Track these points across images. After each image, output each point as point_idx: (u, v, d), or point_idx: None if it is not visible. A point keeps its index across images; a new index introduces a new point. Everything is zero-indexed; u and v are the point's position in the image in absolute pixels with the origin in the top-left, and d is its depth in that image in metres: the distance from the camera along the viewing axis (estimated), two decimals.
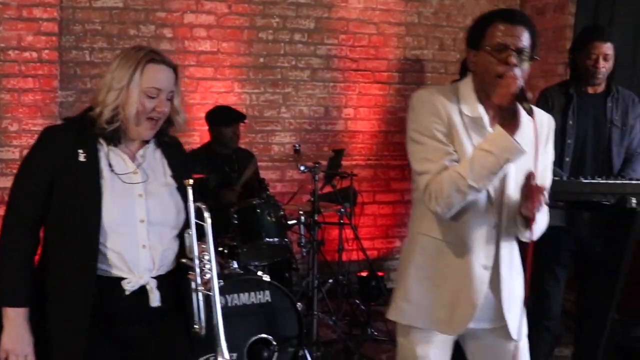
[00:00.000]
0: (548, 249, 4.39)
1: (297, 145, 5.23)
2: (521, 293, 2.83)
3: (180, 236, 2.76)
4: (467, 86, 2.67)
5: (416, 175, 2.66)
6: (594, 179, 3.70)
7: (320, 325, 5.33)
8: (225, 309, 4.40)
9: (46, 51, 5.76)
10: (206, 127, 5.73)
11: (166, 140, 2.81)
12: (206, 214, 2.71)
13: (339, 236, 5.89)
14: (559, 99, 4.43)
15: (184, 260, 2.72)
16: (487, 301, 2.72)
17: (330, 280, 5.89)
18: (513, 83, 2.40)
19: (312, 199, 5.10)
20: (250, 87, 6.52)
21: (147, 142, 2.74)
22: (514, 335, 2.79)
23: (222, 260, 4.74)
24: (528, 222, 2.55)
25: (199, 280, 2.68)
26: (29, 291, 2.59)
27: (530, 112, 2.40)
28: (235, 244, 4.88)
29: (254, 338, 4.55)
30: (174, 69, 2.70)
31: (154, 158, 2.77)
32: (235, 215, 4.90)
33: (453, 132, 2.60)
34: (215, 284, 2.71)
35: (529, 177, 2.47)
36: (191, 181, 2.68)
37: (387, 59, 6.82)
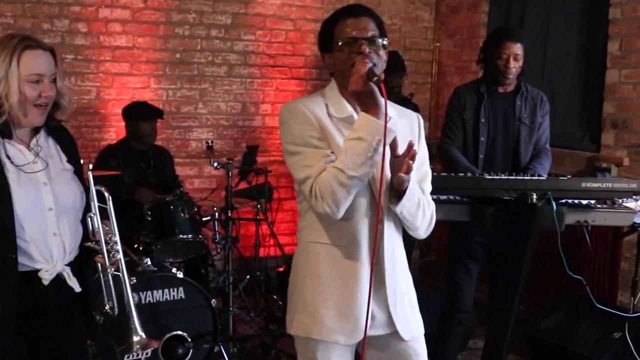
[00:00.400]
0: (459, 243, 4.52)
1: (209, 142, 5.23)
2: (409, 290, 2.80)
3: (83, 221, 2.78)
4: (332, 89, 2.67)
5: (299, 185, 2.63)
6: (497, 175, 3.80)
7: (238, 322, 5.36)
8: (138, 306, 4.38)
9: None
10: (122, 123, 5.68)
11: (54, 124, 2.80)
12: (107, 195, 2.77)
13: (255, 232, 5.90)
14: (470, 98, 4.53)
15: (89, 244, 2.74)
16: (377, 306, 2.67)
17: (248, 277, 5.90)
18: (362, 66, 2.41)
19: (226, 195, 5.10)
20: (167, 83, 6.48)
21: (37, 130, 2.73)
22: (404, 335, 2.71)
23: (136, 257, 4.71)
24: (399, 195, 2.55)
25: (107, 261, 2.72)
26: None
27: (379, 82, 2.39)
28: (149, 240, 4.86)
29: (168, 335, 4.52)
30: (52, 51, 2.68)
31: (48, 145, 2.77)
32: (149, 212, 4.89)
33: (327, 134, 2.59)
34: (123, 264, 2.77)
35: (408, 148, 2.48)
36: (91, 165, 2.76)
37: (304, 55, 6.86)
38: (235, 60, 6.64)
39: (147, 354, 4.40)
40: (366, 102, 2.44)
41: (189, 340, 4.56)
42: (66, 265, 2.71)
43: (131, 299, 2.83)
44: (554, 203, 3.71)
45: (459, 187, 3.83)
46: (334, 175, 2.46)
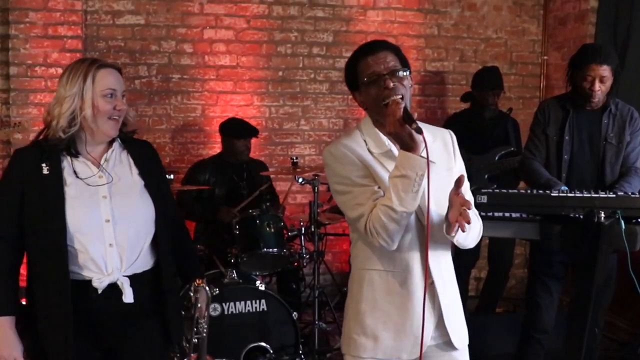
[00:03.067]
0: (540, 261, 4.42)
1: (294, 158, 5.33)
2: (456, 302, 2.88)
3: (154, 235, 2.94)
4: (367, 124, 2.77)
5: (354, 222, 2.73)
6: (562, 192, 3.71)
7: (325, 336, 5.42)
8: (221, 316, 4.57)
9: None
10: (220, 138, 5.91)
11: (128, 137, 3.00)
12: (208, 292, 2.95)
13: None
14: (556, 113, 4.42)
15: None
16: (432, 320, 2.77)
17: (342, 291, 5.96)
18: (396, 109, 2.49)
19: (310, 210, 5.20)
20: (270, 100, 6.65)
21: (110, 145, 2.93)
22: (456, 344, 2.82)
23: (224, 269, 4.88)
24: (450, 228, 2.59)
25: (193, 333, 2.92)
26: (13, 301, 2.82)
27: (419, 131, 2.48)
28: (237, 253, 5.03)
29: (250, 346, 4.67)
30: (119, 70, 2.92)
31: (120, 160, 2.96)
32: (237, 226, 5.06)
33: (371, 171, 2.68)
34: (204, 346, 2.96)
35: (458, 182, 2.56)
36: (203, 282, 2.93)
37: None
38: (337, 77, 6.73)
39: None
40: (405, 142, 2.53)
41: (271, 351, 4.68)
42: (126, 276, 2.84)
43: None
44: (622, 222, 3.58)
45: (526, 205, 3.76)
46: (385, 212, 2.57)
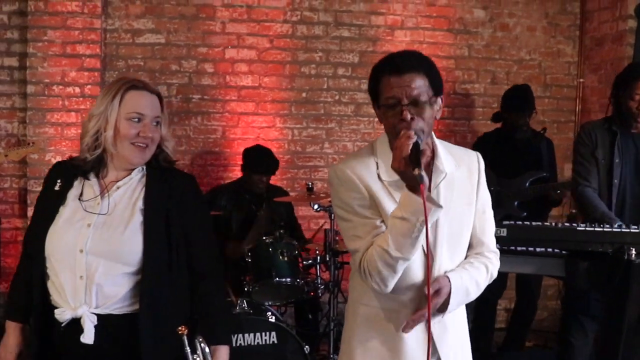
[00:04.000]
0: (575, 297, 4.16)
1: (309, 184, 5.11)
2: (464, 334, 2.72)
3: (140, 276, 2.64)
4: (383, 144, 2.55)
5: (351, 252, 2.58)
6: (588, 227, 3.44)
7: None
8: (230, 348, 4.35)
9: (89, 86, 5.91)
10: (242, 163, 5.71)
11: (162, 167, 2.78)
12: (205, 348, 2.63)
13: None
14: (602, 136, 4.21)
15: None
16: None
17: None
18: (405, 144, 2.27)
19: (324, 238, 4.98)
20: (293, 122, 6.46)
21: (131, 171, 2.75)
22: None
23: (235, 298, 4.68)
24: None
25: None
26: (20, 309, 2.78)
27: (420, 180, 2.24)
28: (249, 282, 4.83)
29: None
30: (158, 96, 2.73)
31: (133, 189, 2.74)
32: (250, 254, 4.86)
33: (376, 202, 2.49)
34: None
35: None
36: (185, 330, 2.54)
37: None
38: (363, 99, 6.51)
39: None
40: (409, 181, 2.32)
41: None
42: (96, 314, 2.61)
43: None
44: None
45: (549, 239, 3.52)
46: (380, 255, 2.40)
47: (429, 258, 2.38)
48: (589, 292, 3.92)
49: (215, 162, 6.34)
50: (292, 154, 6.44)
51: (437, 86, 2.46)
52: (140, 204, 2.70)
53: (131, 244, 2.64)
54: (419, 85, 2.40)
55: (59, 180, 2.72)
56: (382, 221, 2.48)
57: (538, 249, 3.58)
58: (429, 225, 2.32)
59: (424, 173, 2.25)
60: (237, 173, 6.18)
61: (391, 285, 2.45)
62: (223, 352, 2.74)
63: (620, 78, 4.24)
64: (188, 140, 6.28)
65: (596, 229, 3.44)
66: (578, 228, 3.46)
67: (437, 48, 6.63)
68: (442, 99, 2.50)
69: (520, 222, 3.55)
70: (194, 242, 2.76)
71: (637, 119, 4.08)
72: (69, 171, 2.74)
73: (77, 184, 2.71)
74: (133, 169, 2.74)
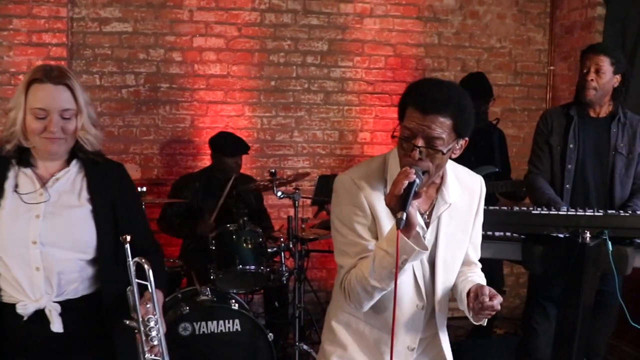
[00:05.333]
0: (538, 282, 4.15)
1: (273, 170, 5.07)
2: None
3: (95, 261, 2.68)
4: (395, 162, 2.47)
5: (337, 264, 2.57)
6: (543, 211, 3.44)
7: (307, 357, 5.15)
8: (192, 336, 4.35)
9: None
10: (210, 152, 5.69)
11: (92, 159, 2.74)
12: (149, 271, 2.56)
13: None
14: (559, 122, 4.21)
15: (127, 322, 2.57)
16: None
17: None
18: (400, 184, 2.23)
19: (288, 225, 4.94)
20: (262, 111, 6.43)
21: (68, 162, 2.71)
22: None
23: (200, 286, 4.65)
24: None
25: (145, 346, 2.55)
26: None
27: (398, 224, 2.19)
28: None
29: None
30: (68, 86, 2.60)
31: (73, 180, 2.71)
32: (213, 241, 4.83)
33: (377, 222, 2.46)
34: (165, 350, 2.59)
35: (478, 291, 2.42)
36: (128, 237, 2.53)
37: (405, 81, 6.59)
38: (332, 88, 6.50)
39: None
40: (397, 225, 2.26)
41: None
42: (57, 302, 2.61)
43: None
44: (610, 243, 3.29)
45: (507, 223, 3.51)
46: (360, 281, 2.41)
47: (395, 296, 2.28)
48: (545, 275, 3.88)
49: (184, 151, 6.30)
50: (262, 143, 6.41)
51: (462, 130, 2.36)
52: (85, 194, 2.69)
53: (85, 232, 2.64)
54: (440, 129, 2.30)
55: None
56: (375, 244, 2.45)
57: (496, 233, 3.56)
58: (418, 259, 2.36)
59: (404, 218, 2.18)
60: (206, 162, 6.16)
61: (367, 307, 2.47)
62: (160, 295, 2.70)
63: (580, 56, 4.25)
64: (156, 129, 6.24)
65: (551, 212, 3.43)
66: (533, 212, 3.45)
67: (406, 36, 6.61)
68: (465, 141, 2.41)
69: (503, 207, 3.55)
70: (135, 225, 2.76)
71: (584, 88, 4.06)
72: (1, 164, 2.66)
73: (11, 175, 2.65)
74: (67, 160, 2.71)
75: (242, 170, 5.70)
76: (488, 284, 5.62)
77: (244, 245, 4.77)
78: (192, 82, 6.28)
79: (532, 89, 6.92)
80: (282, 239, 4.98)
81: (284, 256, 4.98)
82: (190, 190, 5.44)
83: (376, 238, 2.46)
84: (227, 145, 5.52)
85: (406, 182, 2.22)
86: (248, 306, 4.86)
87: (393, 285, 2.31)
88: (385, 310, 2.51)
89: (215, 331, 4.42)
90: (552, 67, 6.87)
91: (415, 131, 2.30)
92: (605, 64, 4.02)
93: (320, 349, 2.78)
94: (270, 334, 4.48)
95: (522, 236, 3.57)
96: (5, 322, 2.61)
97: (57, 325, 2.60)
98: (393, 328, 2.34)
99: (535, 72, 6.91)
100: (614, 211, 3.57)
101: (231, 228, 4.82)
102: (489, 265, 5.30)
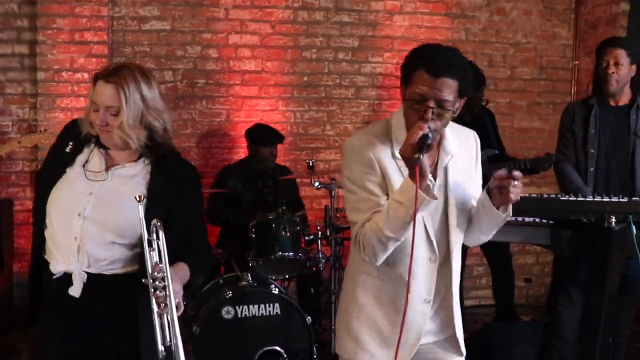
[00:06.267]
0: (563, 266, 4.32)
1: (310, 161, 5.29)
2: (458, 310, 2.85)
3: (133, 247, 2.82)
4: (399, 123, 2.65)
5: (350, 223, 2.72)
6: (571, 197, 3.62)
7: None
8: (235, 319, 4.57)
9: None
10: (247, 144, 5.94)
11: (165, 158, 2.89)
12: (160, 232, 2.70)
13: None
14: (580, 111, 4.41)
15: (143, 280, 2.71)
16: (433, 318, 2.78)
17: None
18: (415, 134, 2.40)
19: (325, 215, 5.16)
20: (295, 105, 6.65)
21: (139, 157, 2.89)
22: (463, 349, 2.82)
23: (240, 272, 4.88)
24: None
25: (153, 301, 2.66)
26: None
27: (416, 161, 2.37)
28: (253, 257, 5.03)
29: (264, 349, 4.65)
30: (118, 85, 2.76)
31: (137, 174, 2.89)
32: (254, 230, 5.05)
33: (386, 179, 2.61)
34: (173, 304, 2.66)
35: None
36: (142, 196, 2.71)
37: None
38: (363, 83, 6.71)
39: None
40: (411, 170, 2.44)
41: (285, 355, 4.66)
42: (88, 273, 2.79)
43: (179, 341, 2.70)
44: (634, 227, 3.48)
45: (536, 209, 3.69)
46: (375, 232, 2.54)
47: (413, 246, 2.47)
48: (573, 259, 4.05)
49: (220, 144, 6.53)
50: (295, 136, 6.62)
51: (464, 90, 2.55)
52: (143, 189, 2.85)
53: (129, 220, 2.79)
54: (449, 91, 2.48)
55: (70, 143, 2.88)
56: (387, 199, 2.60)
57: (526, 219, 3.75)
58: (427, 208, 2.50)
59: (422, 158, 2.37)
60: (240, 154, 6.38)
61: (381, 259, 2.60)
62: (184, 269, 2.87)
63: (595, 53, 4.43)
64: (193, 123, 6.47)
65: (578, 198, 3.61)
66: (562, 198, 3.63)
67: (434, 32, 6.80)
68: (464, 100, 2.59)
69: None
70: (190, 231, 2.95)
71: (606, 81, 4.24)
72: (80, 135, 2.89)
73: (86, 150, 2.88)
74: (139, 155, 2.89)
75: (277, 162, 5.94)
76: (499, 267, 5.79)
77: (283, 233, 4.99)
78: (227, 78, 6.51)
79: (557, 83, 7.09)
80: (318, 228, 5.19)
81: (321, 244, 5.19)
82: (232, 181, 5.69)
83: (386, 194, 2.61)
84: (263, 136, 5.77)
85: (420, 133, 2.39)
86: None
87: (406, 236, 2.51)
88: (398, 264, 2.65)
89: (257, 314, 4.64)
90: (576, 62, 7.04)
91: (426, 94, 2.46)
92: (623, 56, 4.21)
93: (339, 311, 2.90)
94: (308, 317, 4.69)
95: (551, 222, 3.75)
96: (43, 276, 2.86)
97: (74, 290, 2.79)
98: (409, 279, 2.54)
99: (560, 66, 7.09)
100: (637, 198, 3.74)
101: (270, 217, 5.05)
102: (495, 246, 5.49)
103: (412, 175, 2.44)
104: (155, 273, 2.65)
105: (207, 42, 6.45)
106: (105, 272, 2.82)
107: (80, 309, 2.83)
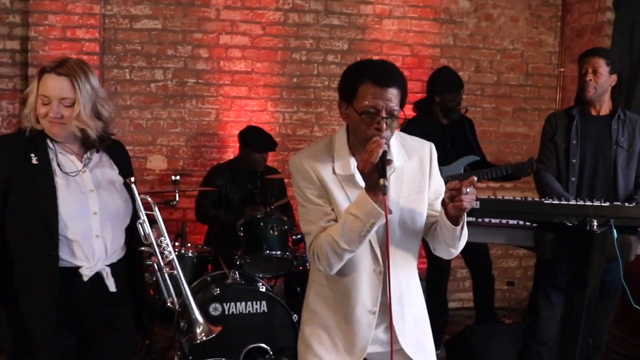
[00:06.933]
0: (543, 271, 4.41)
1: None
2: (424, 316, 2.95)
3: (131, 227, 3.07)
4: (341, 140, 2.75)
5: (304, 234, 2.83)
6: (554, 200, 3.71)
7: None
8: (222, 316, 4.62)
9: None
10: (239, 145, 5.98)
11: (108, 144, 3.07)
12: (152, 202, 3.05)
13: None
14: (562, 121, 4.49)
15: (143, 248, 3.04)
16: (379, 330, 2.83)
17: None
18: (375, 152, 2.47)
19: None
20: (284, 106, 6.71)
21: (90, 146, 3.00)
22: (412, 356, 2.85)
23: (228, 270, 4.93)
24: (456, 219, 2.60)
25: (162, 262, 3.00)
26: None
27: (384, 191, 2.46)
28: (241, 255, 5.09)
29: (250, 346, 4.70)
30: (69, 76, 2.86)
31: (100, 159, 3.06)
32: (242, 228, 5.12)
33: (328, 192, 2.70)
34: (176, 262, 3.03)
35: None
36: (133, 179, 2.99)
37: (421, 80, 6.83)
38: None
39: None
40: (370, 184, 2.53)
41: (270, 353, 4.71)
42: (107, 265, 2.97)
43: (189, 293, 3.06)
44: (615, 231, 3.58)
45: (520, 212, 3.78)
46: (330, 244, 2.62)
47: (388, 261, 2.57)
48: (555, 261, 4.11)
49: (209, 143, 6.58)
50: (283, 137, 6.68)
51: (404, 99, 2.67)
52: (115, 169, 3.09)
53: (124, 201, 3.05)
54: (395, 100, 2.59)
55: (32, 155, 2.88)
56: (332, 209, 2.70)
57: (510, 222, 3.84)
58: (383, 222, 2.55)
59: (387, 183, 2.47)
60: (229, 154, 6.45)
61: (336, 269, 2.69)
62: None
63: (578, 60, 4.52)
64: (183, 122, 6.53)
65: (562, 202, 3.71)
66: (545, 202, 3.73)
67: (423, 37, 6.89)
68: (403, 111, 2.66)
69: (493, 197, 3.82)
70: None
71: (584, 89, 4.34)
72: (35, 144, 2.91)
73: (53, 156, 2.92)
74: (87, 140, 2.98)
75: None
76: (478, 269, 5.84)
77: (271, 232, 5.06)
78: (217, 78, 6.57)
79: (542, 90, 7.20)
80: None
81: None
82: (221, 180, 5.75)
83: (330, 205, 2.70)
84: (257, 142, 5.83)
85: (381, 151, 2.46)
86: None
87: (360, 248, 2.61)
88: (345, 275, 2.74)
89: (244, 312, 4.70)
90: (562, 69, 7.15)
91: (378, 106, 2.56)
92: (602, 64, 4.30)
93: (301, 319, 3.02)
94: (294, 315, 4.75)
95: (534, 224, 3.84)
96: (67, 283, 2.89)
97: (112, 285, 2.98)
98: (389, 292, 2.63)
99: (546, 73, 7.20)
100: (619, 202, 3.84)
101: (259, 215, 5.11)
102: (475, 250, 5.56)
103: (369, 189, 2.52)
104: (160, 240, 3.00)
105: (197, 42, 6.51)
106: (116, 260, 3.04)
107: (110, 300, 3.01)
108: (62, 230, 2.86)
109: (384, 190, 2.45)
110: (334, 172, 2.71)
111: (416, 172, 2.79)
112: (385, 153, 2.49)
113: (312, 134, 6.77)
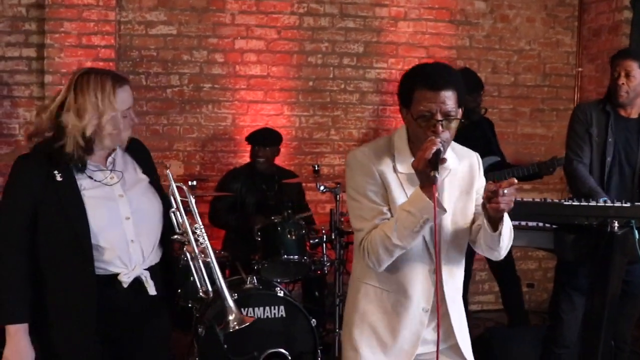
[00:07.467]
0: (565, 273, 4.35)
1: (316, 166, 5.35)
2: (465, 323, 2.95)
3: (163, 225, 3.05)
4: (401, 140, 2.77)
5: (354, 231, 2.83)
6: (574, 202, 3.67)
7: None
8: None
9: None
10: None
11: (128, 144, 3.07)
12: (186, 189, 3.04)
13: None
14: (597, 115, 4.39)
15: (175, 237, 3.00)
16: (428, 330, 2.83)
17: None
18: (429, 149, 2.49)
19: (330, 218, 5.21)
20: (300, 110, 6.70)
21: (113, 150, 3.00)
22: (465, 352, 2.89)
23: (245, 275, 4.92)
24: (496, 223, 2.62)
25: (195, 249, 2.95)
26: (27, 308, 2.82)
27: (433, 181, 2.46)
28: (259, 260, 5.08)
29: (269, 351, 4.68)
30: (129, 84, 2.96)
31: (124, 161, 3.03)
32: (259, 233, 5.11)
33: (387, 191, 2.72)
34: (210, 250, 2.99)
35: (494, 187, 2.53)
36: (170, 164, 2.97)
37: None
38: (368, 88, 6.76)
39: None
40: (424, 181, 2.54)
41: (289, 358, 4.69)
42: (145, 269, 2.95)
43: (222, 280, 3.02)
44: (636, 232, 3.53)
45: (540, 213, 3.74)
46: (382, 240, 2.64)
47: (437, 256, 2.63)
48: (575, 265, 4.10)
49: (225, 148, 6.58)
50: (300, 141, 6.67)
51: (462, 99, 2.68)
52: (138, 168, 3.07)
53: (156, 202, 3.04)
54: (451, 102, 2.61)
55: (55, 172, 2.81)
56: (389, 209, 2.72)
57: (530, 223, 3.80)
58: (438, 219, 2.56)
59: (439, 176, 2.49)
60: (245, 159, 6.41)
61: (384, 265, 2.70)
62: None
63: (609, 61, 4.47)
64: (199, 127, 6.53)
65: (582, 203, 3.66)
66: (565, 203, 3.68)
67: (439, 39, 6.85)
68: (462, 109, 2.70)
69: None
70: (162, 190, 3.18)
71: (617, 92, 4.27)
72: (59, 163, 2.83)
73: (77, 169, 2.85)
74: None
75: (281, 166, 5.99)
76: (503, 273, 5.79)
77: (288, 236, 5.04)
78: (233, 83, 6.56)
79: (560, 90, 7.14)
80: (324, 231, 5.24)
81: (326, 247, 5.24)
82: (237, 184, 5.75)
83: (387, 204, 2.72)
84: (256, 136, 5.90)
85: (434, 148, 2.49)
86: None
87: (411, 245, 2.63)
88: (400, 274, 2.76)
89: (262, 316, 4.68)
90: (579, 69, 7.09)
91: (433, 110, 2.57)
92: (634, 67, 4.23)
93: (343, 321, 2.99)
94: (313, 319, 4.73)
95: (554, 226, 3.80)
96: (106, 292, 2.85)
97: (152, 289, 2.95)
98: (437, 283, 2.67)
99: (564, 73, 7.14)
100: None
101: (276, 220, 5.10)
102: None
103: (423, 186, 2.53)
104: (195, 227, 2.98)
105: (213, 47, 6.51)
106: (152, 264, 3.01)
107: (150, 304, 3.00)
108: (95, 240, 2.82)
109: (434, 179, 2.46)
110: (394, 170, 2.74)
111: (467, 176, 2.84)
112: (439, 151, 2.51)
113: (329, 138, 6.75)
